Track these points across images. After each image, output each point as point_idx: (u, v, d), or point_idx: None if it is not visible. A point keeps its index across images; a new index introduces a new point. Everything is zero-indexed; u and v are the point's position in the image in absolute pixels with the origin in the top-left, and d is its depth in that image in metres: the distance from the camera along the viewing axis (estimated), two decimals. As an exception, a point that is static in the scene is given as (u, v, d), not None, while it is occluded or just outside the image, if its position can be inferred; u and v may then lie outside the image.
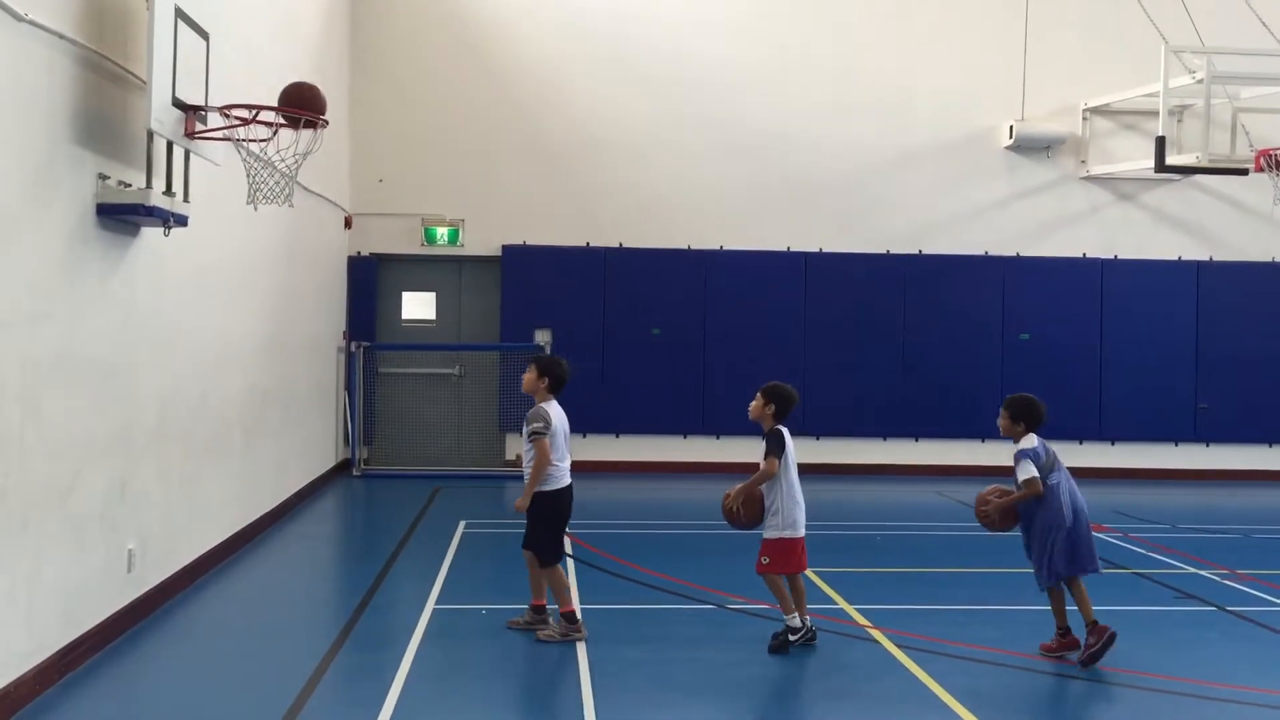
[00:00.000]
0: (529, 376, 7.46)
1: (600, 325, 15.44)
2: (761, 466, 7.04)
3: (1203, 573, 9.49)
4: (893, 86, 15.77)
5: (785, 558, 7.00)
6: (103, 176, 6.55)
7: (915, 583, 9.16)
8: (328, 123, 7.50)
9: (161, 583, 7.71)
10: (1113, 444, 15.95)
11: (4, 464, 5.49)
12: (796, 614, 6.94)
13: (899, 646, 7.05)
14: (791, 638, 6.89)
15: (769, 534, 7.03)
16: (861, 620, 7.71)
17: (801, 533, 7.06)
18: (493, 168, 15.44)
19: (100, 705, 5.88)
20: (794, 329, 15.60)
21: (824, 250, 15.69)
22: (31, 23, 5.66)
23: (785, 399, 7.26)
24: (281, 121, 7.19)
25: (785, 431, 7.15)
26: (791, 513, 7.02)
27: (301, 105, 7.21)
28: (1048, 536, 6.89)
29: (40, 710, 5.71)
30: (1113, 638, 6.72)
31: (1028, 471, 6.90)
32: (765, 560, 7.00)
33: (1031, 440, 7.05)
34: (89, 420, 6.49)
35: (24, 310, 5.70)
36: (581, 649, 6.85)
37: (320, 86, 7.71)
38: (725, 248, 15.61)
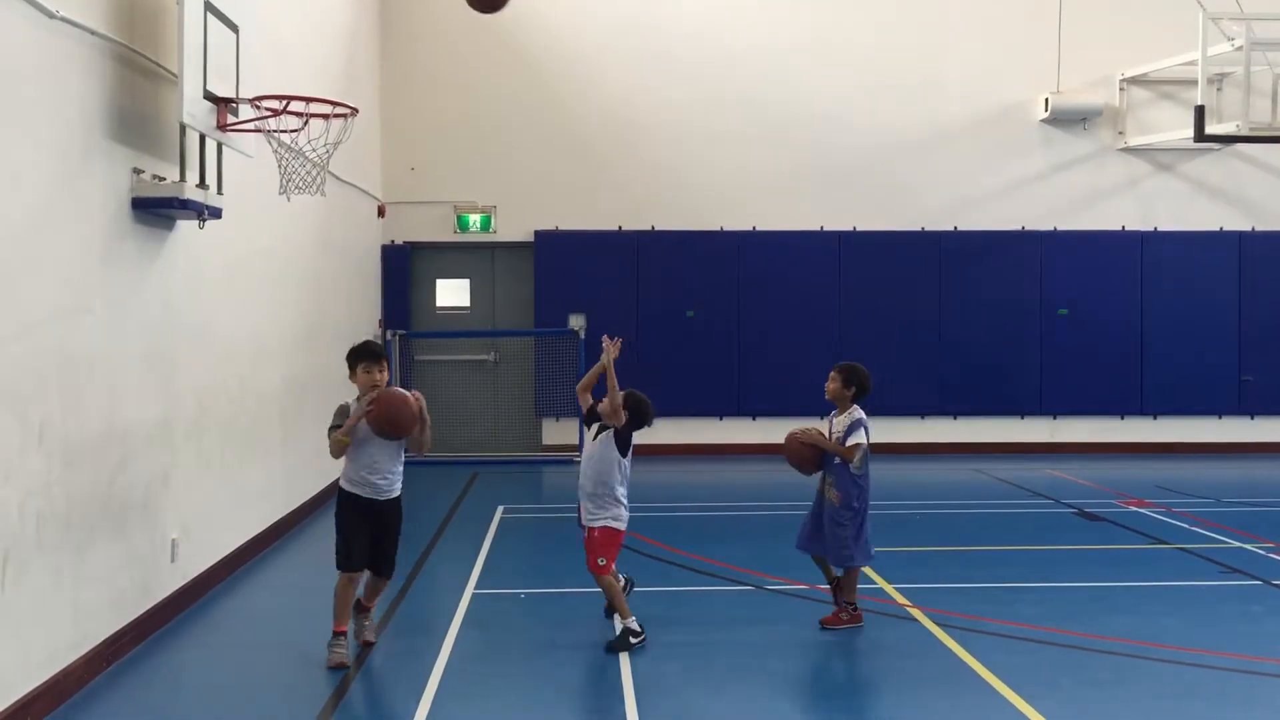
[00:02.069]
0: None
1: (634, 308, 15.43)
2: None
3: (1248, 547, 9.37)
4: (925, 62, 15.61)
5: (616, 550, 6.72)
6: (137, 170, 6.61)
7: (954, 561, 9.11)
8: (357, 111, 7.52)
9: (204, 572, 7.80)
10: (1155, 418, 15.76)
11: (48, 458, 5.56)
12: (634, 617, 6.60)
13: (939, 625, 7.02)
14: (634, 640, 6.51)
15: (614, 524, 6.69)
16: (901, 600, 7.67)
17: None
18: (524, 153, 15.45)
19: (147, 693, 5.96)
20: (829, 309, 15.52)
21: (858, 229, 15.59)
22: (63, 19, 5.71)
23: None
24: (311, 112, 7.22)
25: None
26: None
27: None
28: (859, 517, 6.91)
29: (88, 699, 5.80)
30: (859, 624, 6.93)
31: (860, 438, 6.89)
32: (603, 561, 6.62)
33: (861, 412, 7.01)
34: (129, 412, 6.57)
35: (63, 305, 5.77)
36: (617, 632, 6.86)
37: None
38: (758, 229, 15.53)
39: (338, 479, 6.65)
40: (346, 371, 6.58)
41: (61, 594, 5.73)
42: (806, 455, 7.06)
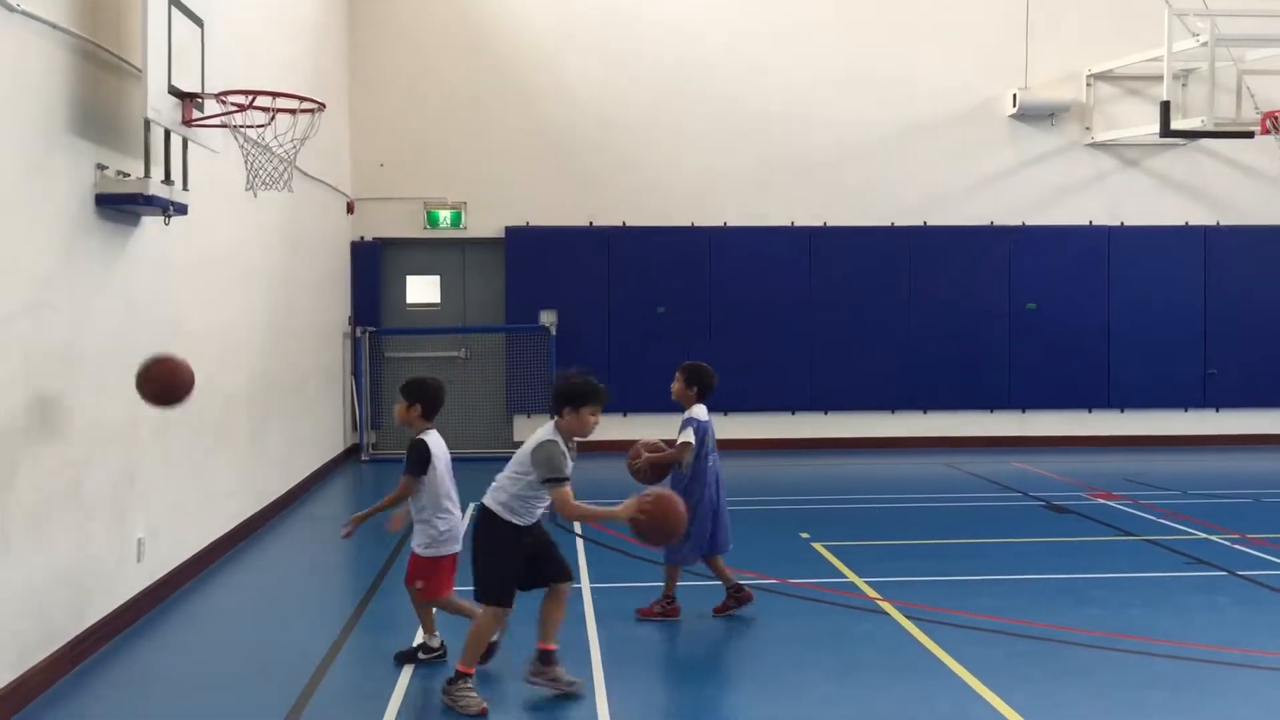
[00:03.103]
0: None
1: (605, 304, 15.42)
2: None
3: (1213, 538, 9.47)
4: (894, 59, 15.67)
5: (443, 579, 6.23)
6: (101, 166, 6.54)
7: (924, 554, 9.15)
8: (324, 106, 7.47)
9: (172, 571, 7.74)
10: (1121, 411, 15.91)
11: (12, 455, 5.50)
12: (437, 634, 6.27)
13: (909, 618, 7.05)
14: (423, 655, 6.20)
15: (424, 551, 6.17)
16: (871, 593, 7.71)
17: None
18: (494, 149, 15.40)
19: (113, 694, 5.91)
20: (799, 304, 15.56)
21: (828, 225, 15.63)
22: (24, 13, 5.64)
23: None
24: (278, 107, 7.16)
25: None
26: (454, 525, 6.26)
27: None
28: (695, 512, 6.88)
29: (53, 700, 5.74)
30: (749, 600, 7.06)
31: (688, 435, 6.91)
32: (420, 585, 6.20)
33: (702, 411, 7.06)
34: (95, 410, 6.50)
35: (26, 301, 5.70)
36: (591, 626, 6.86)
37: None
38: (729, 224, 15.55)
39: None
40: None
41: (27, 594, 5.67)
42: (644, 477, 6.93)
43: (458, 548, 6.27)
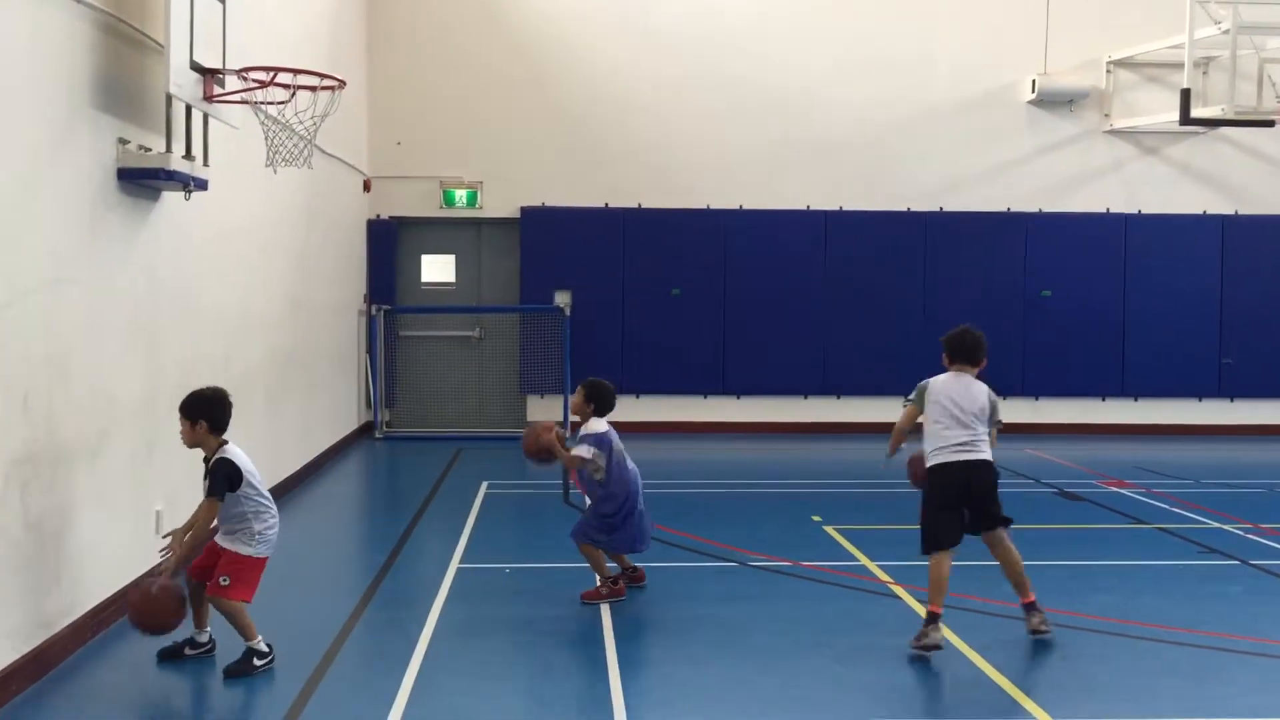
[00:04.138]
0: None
1: (620, 286, 15.43)
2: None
3: (1226, 527, 9.47)
4: (913, 42, 15.60)
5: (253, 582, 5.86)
6: (123, 141, 6.56)
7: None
8: (345, 83, 7.48)
9: (189, 544, 7.78)
10: (1135, 400, 15.88)
11: (32, 427, 5.55)
12: (261, 638, 5.82)
13: (922, 603, 7.06)
14: (258, 662, 5.77)
15: (245, 549, 5.80)
16: (883, 576, 7.73)
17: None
18: (511, 129, 15.39)
19: (133, 663, 5.96)
20: (814, 287, 15.54)
21: (844, 208, 15.60)
22: (49, -14, 5.66)
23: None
24: (298, 83, 7.18)
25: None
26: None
27: None
28: (619, 515, 7.08)
29: (74, 668, 5.80)
30: (621, 595, 7.08)
31: (582, 450, 7.05)
32: (225, 580, 5.73)
33: (600, 425, 7.18)
34: (114, 383, 6.55)
35: (48, 274, 5.74)
36: (605, 606, 6.90)
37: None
38: (745, 207, 15.53)
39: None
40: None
41: (46, 563, 5.73)
42: (532, 452, 7.26)
43: (271, 552, 5.95)
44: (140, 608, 5.71)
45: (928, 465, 6.40)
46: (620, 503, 7.11)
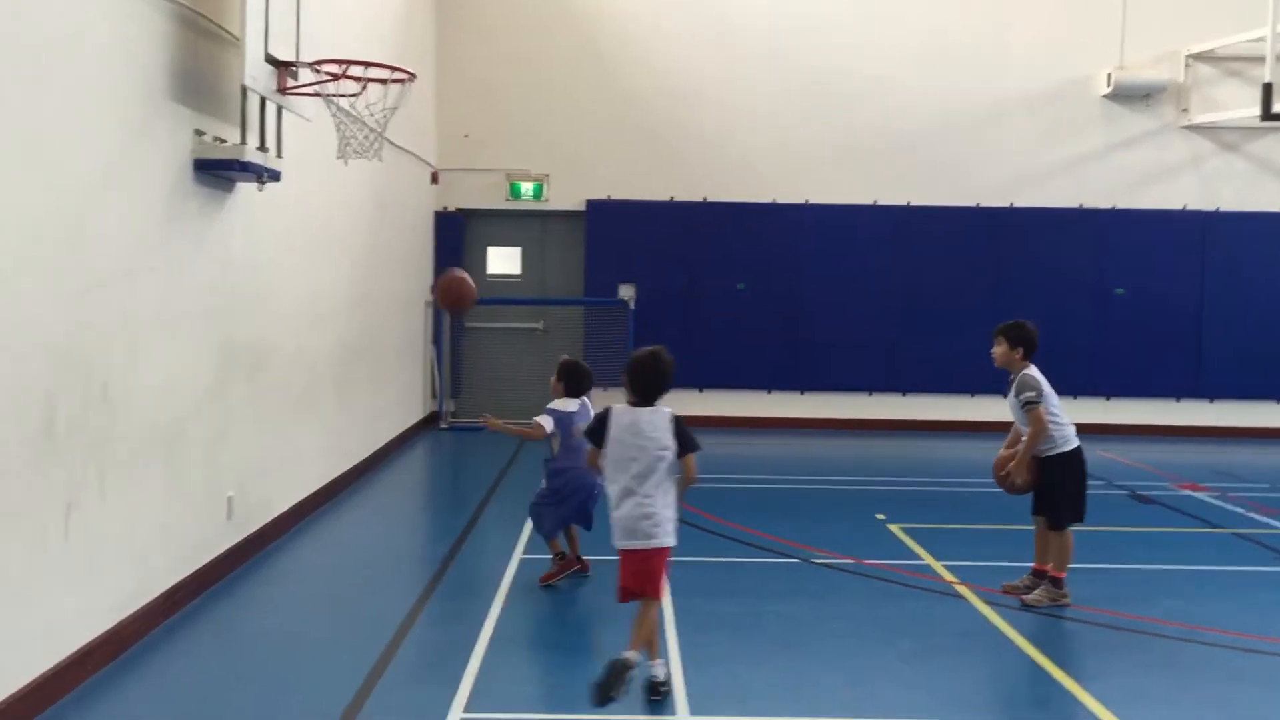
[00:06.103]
0: (999, 350, 7.48)
1: (685, 280, 15.41)
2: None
3: (1304, 534, 9.23)
4: (985, 34, 15.39)
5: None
6: (199, 132, 6.69)
7: (1003, 540, 9.04)
8: (415, 76, 7.55)
9: (259, 529, 7.94)
10: (1211, 402, 15.52)
11: (110, 413, 5.68)
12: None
13: (987, 603, 6.99)
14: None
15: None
16: (948, 576, 7.65)
17: None
18: (577, 122, 15.43)
19: (202, 645, 6.09)
20: (882, 284, 15.40)
21: (913, 204, 15.44)
22: (130, -19, 5.77)
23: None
24: (369, 76, 7.26)
25: None
26: None
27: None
28: (566, 489, 7.31)
29: (147, 648, 5.94)
30: (571, 569, 7.33)
31: (542, 420, 7.31)
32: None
33: (569, 404, 7.41)
34: (189, 371, 6.68)
35: (127, 263, 5.87)
36: (668, 601, 6.90)
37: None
38: (812, 201, 15.43)
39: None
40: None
41: (122, 546, 5.86)
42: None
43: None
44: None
45: (1064, 451, 7.00)
46: (568, 479, 7.30)
